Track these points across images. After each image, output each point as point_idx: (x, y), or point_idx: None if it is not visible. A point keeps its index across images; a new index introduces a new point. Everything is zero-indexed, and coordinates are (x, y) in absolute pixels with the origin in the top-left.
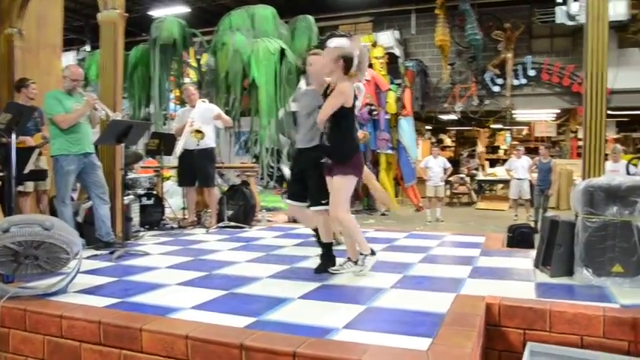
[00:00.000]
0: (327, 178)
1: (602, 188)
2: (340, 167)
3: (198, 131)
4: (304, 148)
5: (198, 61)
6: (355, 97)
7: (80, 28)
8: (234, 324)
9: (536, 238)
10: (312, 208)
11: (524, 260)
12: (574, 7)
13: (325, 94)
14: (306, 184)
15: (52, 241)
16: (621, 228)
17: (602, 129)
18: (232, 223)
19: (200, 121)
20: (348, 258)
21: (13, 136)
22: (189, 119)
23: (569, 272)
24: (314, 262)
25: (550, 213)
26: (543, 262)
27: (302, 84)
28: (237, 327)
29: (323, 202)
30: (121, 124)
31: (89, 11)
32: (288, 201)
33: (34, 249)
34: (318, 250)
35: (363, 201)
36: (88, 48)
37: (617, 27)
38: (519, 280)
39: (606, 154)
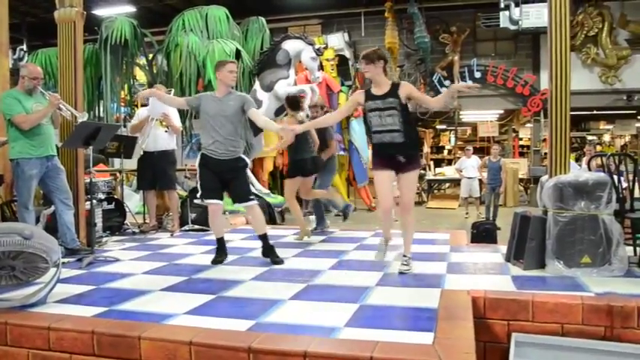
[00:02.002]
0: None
1: (571, 184)
2: (417, 161)
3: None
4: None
5: (150, 62)
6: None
7: (17, 26)
8: (233, 328)
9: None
10: (246, 204)
11: (494, 255)
12: (516, 13)
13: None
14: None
15: (31, 251)
16: (589, 221)
17: (566, 128)
18: (196, 227)
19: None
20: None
21: None
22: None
23: (541, 265)
24: (291, 263)
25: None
26: (515, 256)
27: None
28: (240, 330)
29: (251, 197)
30: (90, 126)
31: (26, 9)
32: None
33: (11, 259)
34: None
35: None
36: (24, 47)
37: None
38: (495, 273)
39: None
